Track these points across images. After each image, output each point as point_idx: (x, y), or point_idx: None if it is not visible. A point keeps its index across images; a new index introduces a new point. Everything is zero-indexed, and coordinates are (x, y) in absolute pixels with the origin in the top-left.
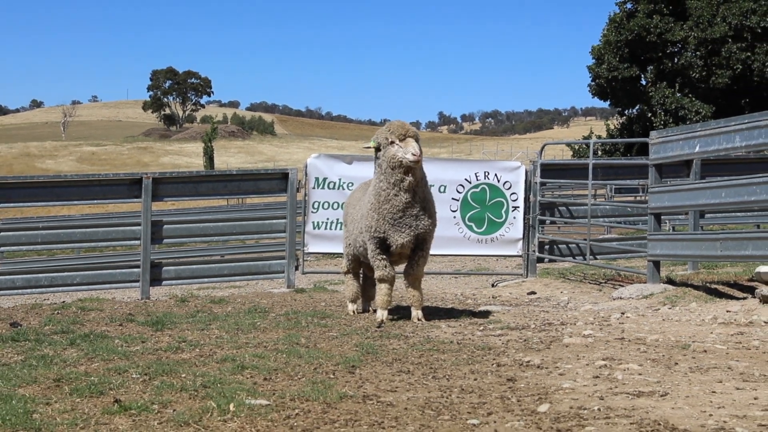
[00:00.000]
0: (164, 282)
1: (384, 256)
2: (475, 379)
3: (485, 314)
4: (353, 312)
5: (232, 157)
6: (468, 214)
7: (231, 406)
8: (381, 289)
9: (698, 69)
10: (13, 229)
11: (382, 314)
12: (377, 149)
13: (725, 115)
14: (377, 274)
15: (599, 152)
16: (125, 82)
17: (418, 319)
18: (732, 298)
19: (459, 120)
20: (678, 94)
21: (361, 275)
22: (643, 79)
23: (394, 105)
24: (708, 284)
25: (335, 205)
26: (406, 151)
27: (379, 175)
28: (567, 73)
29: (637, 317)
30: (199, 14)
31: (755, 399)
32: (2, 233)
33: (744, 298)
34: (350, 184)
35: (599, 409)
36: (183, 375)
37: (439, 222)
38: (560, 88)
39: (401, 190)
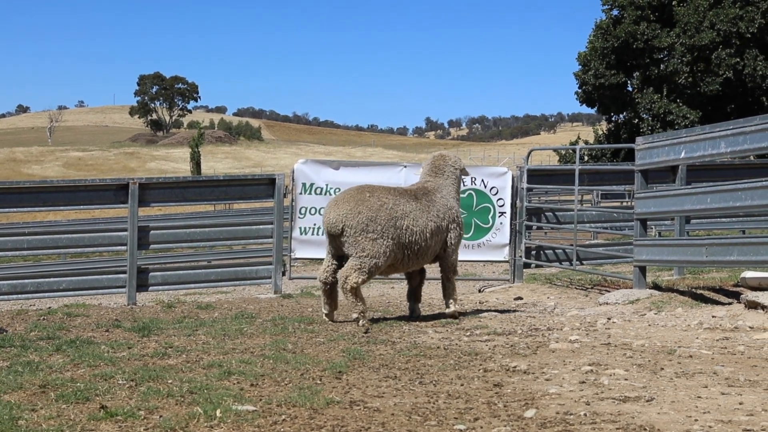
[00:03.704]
0: (151, 288)
1: None
2: (462, 385)
3: (472, 319)
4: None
5: (219, 162)
6: None
7: (218, 412)
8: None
9: (684, 75)
10: None
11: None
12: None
13: (712, 120)
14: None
15: (586, 158)
16: (112, 87)
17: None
18: (717, 303)
19: (446, 126)
20: (665, 100)
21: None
22: (629, 85)
23: (381, 111)
24: (694, 290)
25: (322, 211)
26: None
27: (456, 193)
28: (554, 79)
29: (623, 322)
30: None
31: (740, 404)
32: None
33: (729, 304)
34: (337, 190)
35: (585, 415)
36: (169, 381)
37: None
38: (547, 94)
39: None
